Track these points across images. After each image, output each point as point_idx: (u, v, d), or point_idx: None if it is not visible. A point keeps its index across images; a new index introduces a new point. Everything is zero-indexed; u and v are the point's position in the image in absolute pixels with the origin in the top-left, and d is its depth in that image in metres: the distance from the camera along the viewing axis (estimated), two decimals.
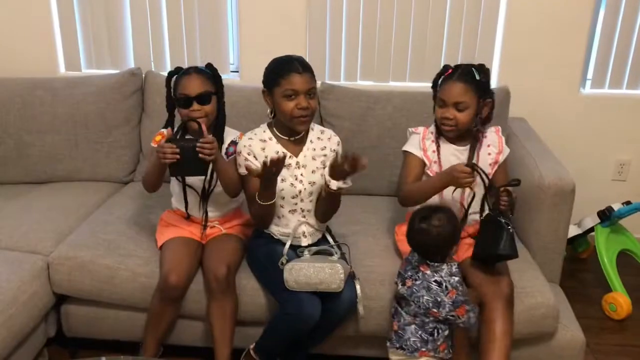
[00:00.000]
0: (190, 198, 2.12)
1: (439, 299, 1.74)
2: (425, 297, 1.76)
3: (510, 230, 1.87)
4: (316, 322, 1.81)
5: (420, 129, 2.13)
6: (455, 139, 2.07)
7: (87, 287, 2.07)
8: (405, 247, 2.09)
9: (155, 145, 2.10)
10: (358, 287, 1.90)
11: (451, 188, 1.98)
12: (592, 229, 2.70)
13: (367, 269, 2.07)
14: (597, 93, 2.88)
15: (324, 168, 1.99)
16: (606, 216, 2.61)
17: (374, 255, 2.15)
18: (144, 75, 2.77)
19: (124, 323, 2.14)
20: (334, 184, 1.86)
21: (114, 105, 2.67)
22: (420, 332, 1.79)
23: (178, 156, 1.87)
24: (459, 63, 2.08)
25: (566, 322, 2.06)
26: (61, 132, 2.66)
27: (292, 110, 1.88)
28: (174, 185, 2.17)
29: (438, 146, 2.07)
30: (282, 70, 1.89)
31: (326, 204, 1.98)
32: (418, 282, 1.77)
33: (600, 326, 2.46)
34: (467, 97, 1.96)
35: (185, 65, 2.84)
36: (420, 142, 2.09)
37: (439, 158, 2.05)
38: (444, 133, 2.06)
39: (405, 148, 2.13)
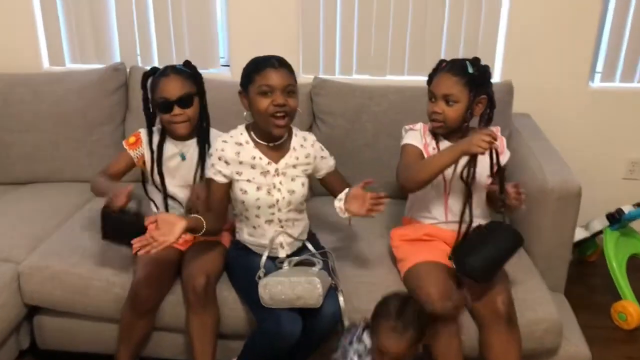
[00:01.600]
0: (173, 208, 2.02)
1: None
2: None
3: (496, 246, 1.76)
4: (297, 339, 1.69)
5: (418, 125, 1.98)
6: (452, 138, 1.92)
7: (60, 298, 1.96)
8: (401, 254, 1.98)
9: (127, 148, 1.99)
10: (341, 299, 1.77)
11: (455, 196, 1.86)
12: (600, 232, 2.55)
13: (357, 278, 1.94)
14: (607, 87, 2.71)
15: (306, 177, 1.90)
16: (616, 219, 2.45)
17: (366, 263, 2.03)
18: (128, 71, 2.65)
19: (101, 335, 2.02)
20: (346, 216, 1.79)
21: (96, 102, 2.55)
22: None
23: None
24: (457, 57, 1.94)
25: (570, 335, 1.92)
26: (42, 131, 2.55)
27: (267, 107, 1.74)
28: (154, 194, 2.05)
29: (437, 143, 1.93)
30: (257, 67, 1.75)
31: None
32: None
33: (607, 336, 2.31)
34: (457, 89, 1.81)
35: (173, 60, 2.77)
36: (421, 137, 1.94)
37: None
38: (434, 130, 1.92)
39: (404, 142, 1.97)
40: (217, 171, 1.82)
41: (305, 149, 1.90)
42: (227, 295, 1.91)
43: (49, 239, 2.13)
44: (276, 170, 1.84)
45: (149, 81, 1.96)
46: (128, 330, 1.89)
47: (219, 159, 1.81)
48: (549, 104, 2.68)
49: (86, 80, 2.57)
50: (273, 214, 1.85)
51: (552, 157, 2.21)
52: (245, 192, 1.83)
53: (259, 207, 1.84)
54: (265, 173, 1.83)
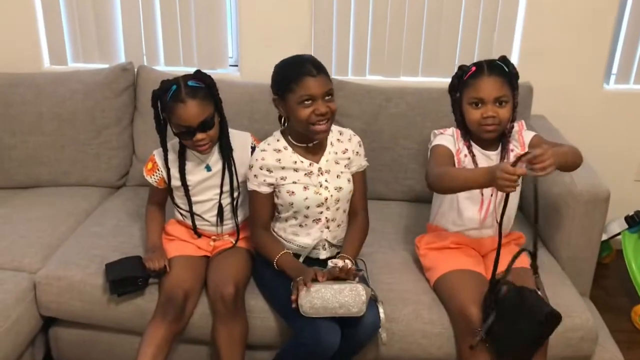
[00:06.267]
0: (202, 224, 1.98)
1: None
2: None
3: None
4: (335, 350, 1.63)
5: (450, 130, 1.93)
6: (485, 145, 1.89)
7: (78, 310, 1.88)
8: (429, 262, 1.94)
9: (149, 179, 1.95)
10: (381, 310, 1.71)
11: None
12: (617, 234, 2.54)
13: (386, 286, 1.89)
14: (622, 89, 2.70)
15: (350, 172, 1.86)
16: (635, 222, 2.45)
17: (393, 270, 1.98)
18: (136, 70, 2.55)
19: (120, 347, 1.94)
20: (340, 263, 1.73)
21: (103, 103, 2.45)
22: None
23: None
24: (472, 58, 1.91)
25: (603, 341, 1.90)
26: (45, 133, 2.43)
27: (309, 117, 1.69)
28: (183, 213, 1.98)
29: (473, 154, 1.88)
30: (295, 75, 1.69)
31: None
32: None
33: (631, 340, 2.29)
34: (505, 89, 1.80)
35: (180, 61, 2.67)
36: (455, 141, 1.90)
37: (475, 163, 1.86)
38: (484, 137, 1.85)
39: (435, 143, 1.91)
40: (260, 182, 1.78)
41: (343, 143, 1.86)
42: (255, 305, 1.84)
43: (61, 247, 2.04)
44: (319, 169, 1.80)
45: (161, 101, 1.83)
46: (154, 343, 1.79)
47: (261, 168, 1.77)
48: (564, 105, 2.66)
49: (92, 81, 2.47)
50: (321, 212, 1.81)
51: None
52: (292, 193, 1.78)
53: (307, 207, 1.79)
54: (309, 174, 1.79)
